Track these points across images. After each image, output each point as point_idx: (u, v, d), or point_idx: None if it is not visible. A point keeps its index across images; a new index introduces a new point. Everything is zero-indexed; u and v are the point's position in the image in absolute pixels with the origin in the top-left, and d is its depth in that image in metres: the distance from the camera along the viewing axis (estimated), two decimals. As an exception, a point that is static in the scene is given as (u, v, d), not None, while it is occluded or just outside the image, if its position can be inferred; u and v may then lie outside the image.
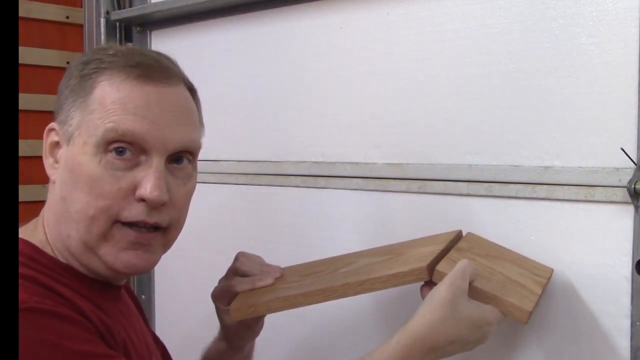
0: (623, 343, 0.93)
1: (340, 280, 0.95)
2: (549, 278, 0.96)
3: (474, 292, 0.87)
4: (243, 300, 1.01)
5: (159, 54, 0.91)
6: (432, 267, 0.89)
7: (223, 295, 1.05)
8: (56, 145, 0.86)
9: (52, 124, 0.87)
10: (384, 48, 1.19)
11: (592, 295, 0.96)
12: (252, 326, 1.07)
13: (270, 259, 1.17)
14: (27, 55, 1.88)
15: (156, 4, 1.56)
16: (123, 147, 0.82)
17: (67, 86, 0.86)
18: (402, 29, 1.16)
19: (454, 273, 0.86)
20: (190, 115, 0.89)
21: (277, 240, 1.35)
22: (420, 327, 0.83)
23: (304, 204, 1.32)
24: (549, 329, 1.00)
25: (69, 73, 0.88)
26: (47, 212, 0.88)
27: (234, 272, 1.05)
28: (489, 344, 1.05)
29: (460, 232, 1.04)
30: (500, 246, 1.01)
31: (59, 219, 0.85)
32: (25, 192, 1.54)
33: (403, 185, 1.16)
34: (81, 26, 1.98)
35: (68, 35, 1.97)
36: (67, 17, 1.97)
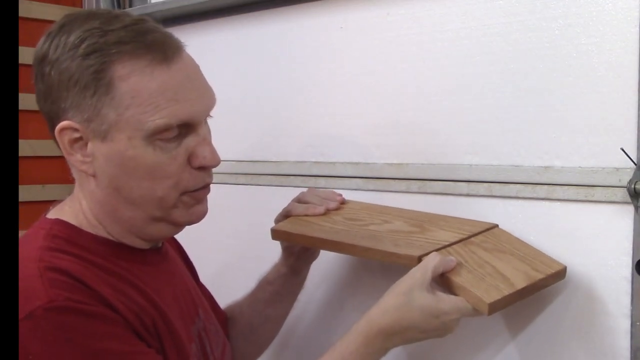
0: (623, 343, 0.93)
1: (357, 241, 1.01)
2: (553, 275, 0.93)
3: (446, 283, 0.90)
4: (289, 224, 1.08)
5: (145, 20, 0.87)
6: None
7: (281, 219, 1.12)
8: (76, 141, 0.85)
9: (67, 123, 0.83)
10: (384, 48, 1.19)
11: (592, 295, 0.96)
12: (309, 249, 1.13)
13: (270, 258, 1.17)
14: (27, 55, 1.86)
15: (156, 4, 1.56)
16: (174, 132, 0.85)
17: (72, 81, 0.82)
18: (402, 29, 1.16)
19: (417, 266, 0.90)
20: (202, 72, 0.90)
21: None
22: (376, 314, 0.89)
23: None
24: (549, 329, 1.00)
25: (61, 66, 0.83)
26: (92, 204, 0.88)
27: (297, 200, 1.13)
28: (489, 342, 1.05)
29: (493, 226, 1.03)
30: (522, 243, 0.99)
31: (115, 206, 0.87)
32: (25, 192, 1.54)
33: (403, 185, 1.16)
34: (81, 26, 1.97)
35: (68, 35, 1.97)
36: (67, 17, 1.97)
